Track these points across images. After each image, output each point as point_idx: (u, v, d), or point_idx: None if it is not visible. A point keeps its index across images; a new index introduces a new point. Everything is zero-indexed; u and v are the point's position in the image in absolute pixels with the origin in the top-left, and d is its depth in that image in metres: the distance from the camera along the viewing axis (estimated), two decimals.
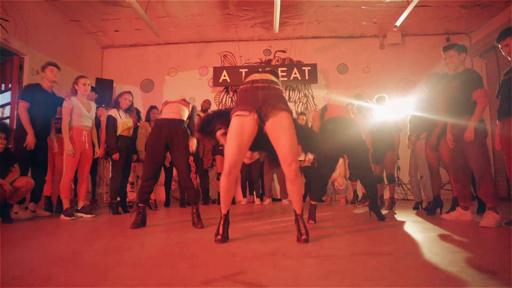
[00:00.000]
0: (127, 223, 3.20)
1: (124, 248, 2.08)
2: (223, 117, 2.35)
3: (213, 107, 7.18)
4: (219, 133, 2.37)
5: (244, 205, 5.62)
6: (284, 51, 7.33)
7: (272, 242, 2.21)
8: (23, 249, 2.07)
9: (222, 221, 2.27)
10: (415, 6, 5.26)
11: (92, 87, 4.41)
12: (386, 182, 4.71)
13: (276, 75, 2.37)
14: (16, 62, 5.13)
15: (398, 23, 5.68)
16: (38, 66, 5.30)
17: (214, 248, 2.06)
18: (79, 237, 2.55)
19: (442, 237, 2.37)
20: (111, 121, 4.11)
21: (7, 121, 5.10)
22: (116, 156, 4.08)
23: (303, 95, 7.20)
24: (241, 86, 2.30)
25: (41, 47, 5.47)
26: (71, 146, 3.66)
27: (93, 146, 4.04)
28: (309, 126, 5.93)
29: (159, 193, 5.80)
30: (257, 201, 5.75)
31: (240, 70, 6.90)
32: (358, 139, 3.36)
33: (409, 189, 5.86)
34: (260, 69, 2.41)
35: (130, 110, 4.41)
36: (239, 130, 2.14)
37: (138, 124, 5.04)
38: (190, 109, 3.33)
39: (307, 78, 6.84)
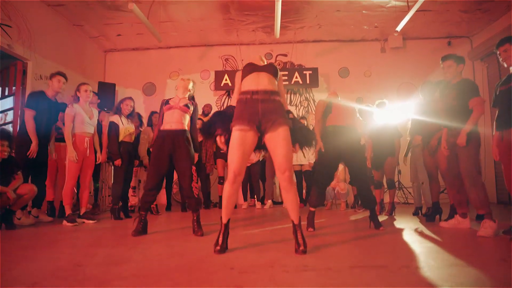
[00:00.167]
0: (129, 230, 3.25)
1: (125, 259, 2.12)
2: (224, 120, 2.39)
3: (214, 110, 7.23)
4: (219, 140, 2.41)
5: (245, 209, 5.66)
6: (285, 55, 7.36)
7: (270, 253, 2.25)
8: (26, 260, 2.11)
9: (222, 231, 2.31)
10: (416, 11, 5.27)
11: (94, 92, 4.47)
12: (386, 187, 4.72)
13: (275, 71, 2.41)
14: (19, 67, 5.19)
15: (399, 28, 5.69)
16: (41, 71, 5.40)
17: (213, 259, 2.10)
18: (81, 247, 2.59)
19: (439, 248, 2.39)
20: (113, 127, 4.16)
21: (10, 126, 5.15)
22: (118, 162, 4.13)
23: (304, 98, 7.23)
24: (241, 96, 2.32)
25: (44, 52, 5.53)
26: (75, 153, 3.71)
27: (95, 152, 4.08)
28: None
29: (160, 196, 5.80)
30: (258, 204, 5.78)
31: None
32: (357, 149, 3.38)
33: (410, 192, 5.89)
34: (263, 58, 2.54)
35: (132, 115, 4.46)
36: (240, 142, 2.22)
37: (140, 129, 5.08)
38: (192, 108, 3.32)
39: (308, 82, 6.87)
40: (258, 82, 2.30)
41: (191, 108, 3.30)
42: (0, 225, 3.37)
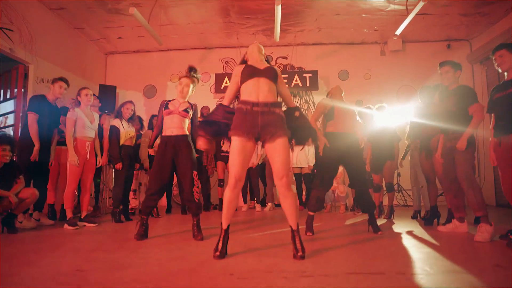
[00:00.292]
0: (129, 233, 3.29)
1: (126, 264, 2.15)
2: (224, 119, 2.41)
3: None
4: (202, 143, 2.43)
5: (245, 211, 5.70)
6: (285, 58, 7.39)
7: (269, 258, 2.28)
8: (28, 265, 2.14)
9: (222, 236, 2.34)
10: (415, 14, 5.30)
11: (94, 95, 4.51)
12: (385, 190, 4.75)
13: (275, 75, 2.41)
14: (21, 71, 5.23)
15: (398, 32, 5.72)
16: (43, 74, 5.44)
17: (213, 264, 2.13)
18: (83, 251, 2.62)
19: (436, 254, 2.42)
20: (114, 131, 4.20)
21: (10, 130, 5.20)
22: (119, 165, 4.16)
23: (304, 101, 7.26)
24: (241, 106, 2.33)
25: (46, 55, 5.57)
26: (76, 157, 3.75)
27: (96, 155, 4.11)
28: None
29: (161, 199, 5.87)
30: (258, 207, 5.81)
31: None
32: (356, 153, 3.40)
33: (409, 195, 5.92)
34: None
35: (133, 119, 4.50)
36: (241, 149, 2.27)
37: (141, 132, 5.12)
38: (192, 112, 3.34)
39: (308, 85, 6.90)
40: (258, 91, 2.31)
41: (191, 112, 3.32)
42: (2, 228, 3.41)
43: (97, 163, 4.11)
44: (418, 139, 4.21)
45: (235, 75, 2.50)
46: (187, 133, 3.25)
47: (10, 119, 5.76)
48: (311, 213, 3.36)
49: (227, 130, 2.37)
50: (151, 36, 5.97)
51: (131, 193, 4.85)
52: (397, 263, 2.17)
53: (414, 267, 2.06)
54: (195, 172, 3.15)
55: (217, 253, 2.26)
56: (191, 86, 3.36)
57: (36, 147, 3.78)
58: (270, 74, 2.41)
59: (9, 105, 5.65)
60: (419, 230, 3.49)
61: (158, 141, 3.23)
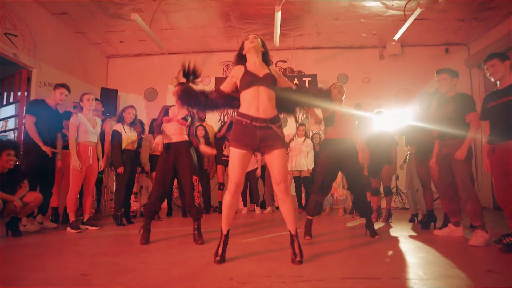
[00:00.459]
0: (131, 237, 3.37)
1: (128, 268, 2.22)
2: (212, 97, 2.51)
3: (215, 116, 7.34)
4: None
5: (245, 214, 5.76)
6: (285, 61, 7.46)
7: (268, 263, 2.34)
8: (34, 269, 2.21)
9: (222, 241, 2.41)
10: (414, 19, 5.36)
11: (97, 99, 4.58)
12: (383, 193, 4.81)
13: (274, 81, 2.47)
14: (24, 75, 5.30)
15: (396, 37, 5.79)
16: (45, 78, 5.50)
17: (213, 268, 2.20)
18: (86, 255, 2.68)
19: (431, 259, 2.48)
20: (116, 136, 4.27)
21: (11, 133, 5.27)
22: (120, 169, 4.23)
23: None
24: (241, 118, 2.37)
25: (48, 60, 5.63)
26: (79, 162, 3.81)
27: (98, 160, 4.18)
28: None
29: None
30: (257, 210, 5.87)
31: None
32: (354, 158, 3.46)
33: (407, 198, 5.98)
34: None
35: (134, 123, 4.57)
36: (241, 158, 2.36)
37: (142, 136, 5.19)
38: (190, 119, 3.41)
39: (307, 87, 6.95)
40: (258, 103, 2.35)
41: (189, 119, 3.40)
42: (6, 232, 3.48)
43: (99, 167, 4.17)
44: (414, 144, 4.28)
45: (232, 75, 2.52)
46: (187, 139, 3.33)
47: (11, 123, 5.86)
48: (310, 217, 3.42)
49: (204, 103, 2.48)
50: (153, 41, 6.05)
51: (132, 196, 4.91)
52: (392, 268, 2.24)
53: (408, 272, 2.13)
54: (195, 177, 3.22)
55: (218, 258, 2.33)
56: None
57: (41, 145, 3.88)
58: (270, 82, 2.44)
59: (12, 109, 5.73)
60: (415, 234, 3.56)
61: (159, 140, 3.27)
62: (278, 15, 5.14)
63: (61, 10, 5.65)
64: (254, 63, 2.51)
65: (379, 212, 4.83)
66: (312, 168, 5.74)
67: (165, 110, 3.39)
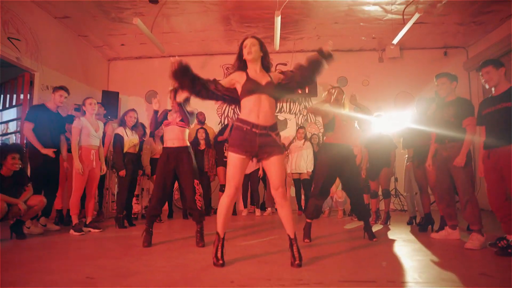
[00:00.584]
0: (133, 239, 3.43)
1: (131, 271, 2.27)
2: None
3: (215, 119, 7.41)
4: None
5: (245, 216, 5.82)
6: (285, 64, 7.52)
7: (267, 265, 2.40)
8: (41, 272, 2.27)
9: (220, 244, 2.45)
10: (412, 23, 5.42)
11: (99, 102, 4.64)
12: (381, 196, 4.87)
13: (274, 88, 2.51)
14: (27, 79, 5.36)
15: (395, 41, 5.85)
16: (48, 81, 5.56)
17: (214, 271, 2.26)
18: (90, 258, 2.73)
19: (427, 262, 2.54)
20: (118, 139, 4.33)
21: (12, 136, 5.33)
22: (122, 172, 4.29)
23: (303, 107, 7.39)
24: (240, 124, 2.42)
25: (51, 63, 5.70)
26: (81, 165, 3.87)
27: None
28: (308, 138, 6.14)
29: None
30: (257, 211, 5.93)
31: None
32: (351, 162, 3.52)
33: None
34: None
35: (136, 126, 4.63)
36: (240, 162, 2.42)
37: (144, 139, 5.25)
38: (191, 118, 3.46)
39: (307, 91, 7.02)
40: (259, 110, 2.40)
41: (192, 119, 3.46)
42: (11, 234, 3.54)
43: (101, 171, 4.23)
44: (411, 147, 4.34)
45: (232, 78, 2.52)
46: (188, 144, 3.39)
47: (12, 126, 5.93)
48: (309, 221, 3.48)
49: (198, 90, 2.49)
50: (154, 45, 6.11)
51: (133, 199, 4.97)
52: (389, 271, 2.30)
53: (404, 275, 2.18)
54: (196, 181, 3.28)
55: (221, 262, 2.37)
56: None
57: (41, 149, 3.93)
58: (271, 90, 2.48)
59: (14, 112, 5.80)
60: (413, 237, 3.61)
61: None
62: (278, 20, 5.20)
63: (63, 14, 5.72)
64: (254, 70, 2.55)
65: (377, 215, 4.88)
66: (312, 171, 5.80)
67: (165, 115, 3.45)
